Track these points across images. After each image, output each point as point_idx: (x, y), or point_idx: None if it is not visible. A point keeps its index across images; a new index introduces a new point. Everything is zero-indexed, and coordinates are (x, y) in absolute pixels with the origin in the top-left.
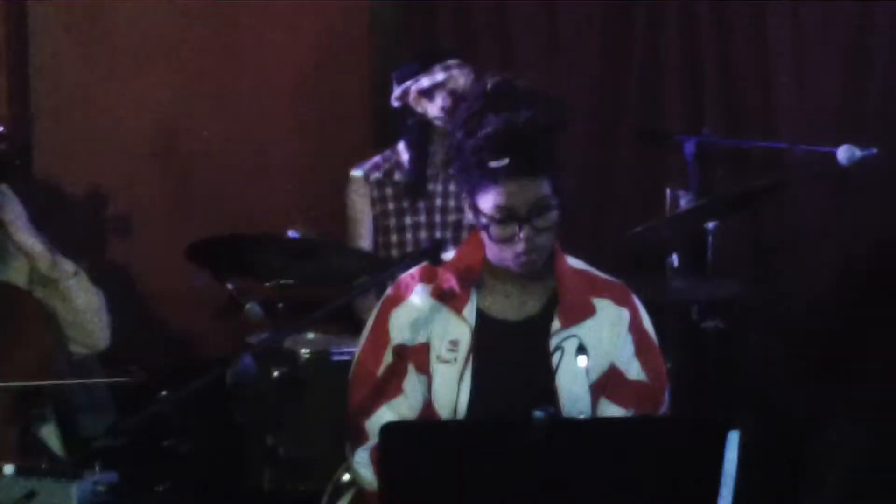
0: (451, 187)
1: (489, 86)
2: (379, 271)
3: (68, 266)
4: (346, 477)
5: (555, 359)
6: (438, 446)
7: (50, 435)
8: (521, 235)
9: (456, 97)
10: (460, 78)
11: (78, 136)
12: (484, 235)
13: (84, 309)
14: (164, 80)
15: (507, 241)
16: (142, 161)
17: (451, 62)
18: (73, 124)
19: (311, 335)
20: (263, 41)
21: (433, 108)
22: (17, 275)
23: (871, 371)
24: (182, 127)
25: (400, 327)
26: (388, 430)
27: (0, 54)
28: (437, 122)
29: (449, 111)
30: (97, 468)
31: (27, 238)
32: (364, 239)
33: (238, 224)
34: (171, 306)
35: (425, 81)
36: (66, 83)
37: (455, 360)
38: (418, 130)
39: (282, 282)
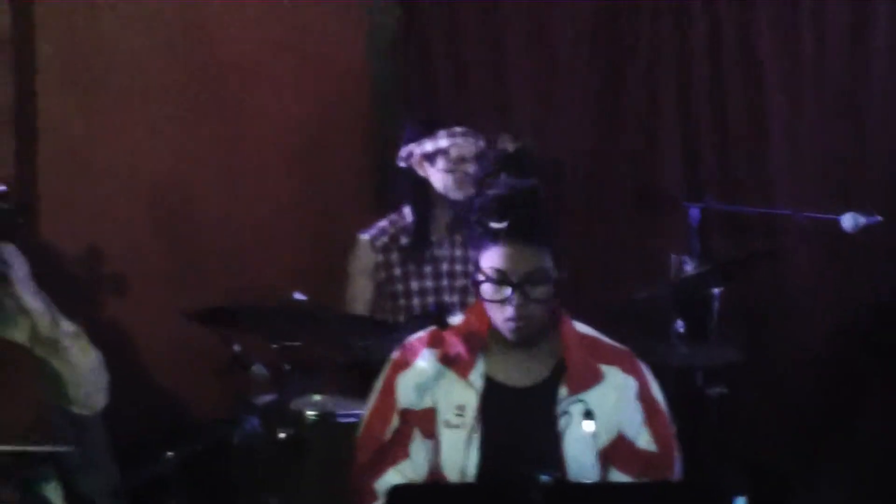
0: (458, 252)
1: (509, 150)
2: (385, 334)
3: (68, 326)
4: None
5: (561, 424)
6: None
7: (53, 494)
8: (512, 301)
9: (458, 164)
10: (465, 146)
11: (81, 197)
12: (479, 294)
13: (83, 369)
14: (166, 142)
15: (497, 302)
16: (142, 222)
17: (457, 129)
18: (76, 184)
19: (316, 397)
20: (265, 103)
21: (434, 173)
22: (19, 333)
23: (861, 435)
24: (183, 189)
25: (406, 391)
26: (396, 492)
27: (8, 113)
28: (437, 187)
29: (452, 179)
30: None
31: (29, 298)
32: (358, 302)
33: (238, 285)
34: (173, 367)
35: (429, 146)
36: (71, 144)
37: (462, 425)
38: (416, 192)
39: (287, 344)
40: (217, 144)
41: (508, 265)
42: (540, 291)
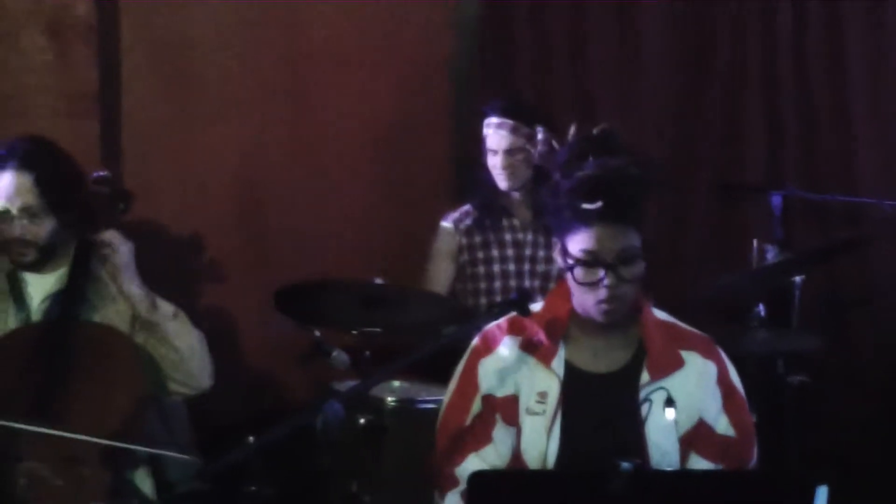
0: (541, 238)
1: (594, 131)
2: (466, 320)
3: (168, 308)
4: None
5: (643, 411)
6: (526, 495)
7: (143, 479)
8: (605, 282)
9: (494, 154)
10: (500, 138)
11: (163, 183)
12: (569, 279)
13: (185, 350)
14: (247, 128)
15: (590, 285)
16: (224, 208)
17: (493, 120)
18: (159, 170)
19: (396, 383)
20: (344, 91)
21: (486, 158)
22: (119, 318)
23: None
24: (264, 175)
25: (488, 377)
26: (476, 478)
27: (93, 99)
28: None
29: (493, 168)
30: None
31: (129, 283)
32: (436, 283)
33: (317, 272)
34: (255, 352)
35: (484, 130)
36: (154, 130)
37: (544, 412)
38: (481, 179)
39: (367, 330)
40: (300, 131)
41: (601, 246)
42: (631, 271)
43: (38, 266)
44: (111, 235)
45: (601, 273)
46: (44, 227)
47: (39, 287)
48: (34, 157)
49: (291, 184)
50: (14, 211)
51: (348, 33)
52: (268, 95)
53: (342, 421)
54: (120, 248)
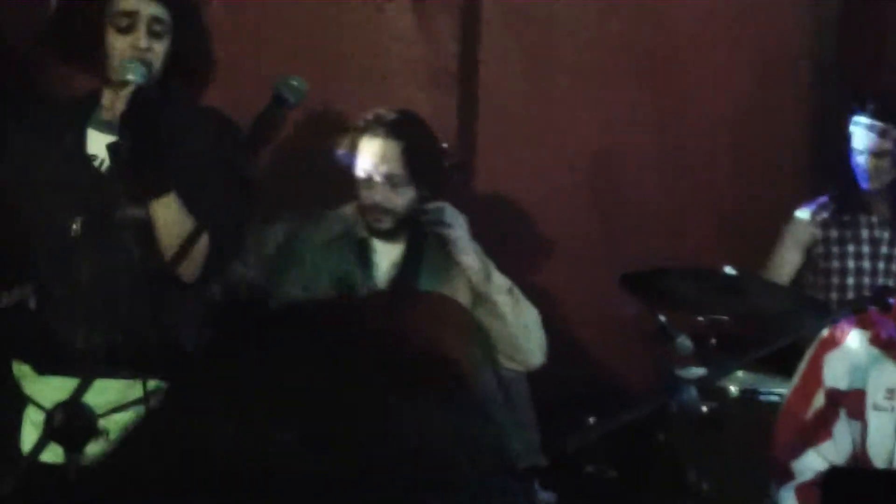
0: None
1: None
2: (818, 314)
3: (502, 282)
4: None
5: None
6: (885, 495)
7: None
8: None
9: (861, 153)
10: (866, 140)
11: (517, 158)
12: None
13: (517, 325)
14: (603, 107)
15: None
16: (575, 185)
17: (863, 120)
18: (514, 146)
19: (740, 373)
20: (703, 72)
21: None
22: (461, 292)
23: None
24: (616, 154)
25: (834, 371)
26: (833, 475)
27: (452, 75)
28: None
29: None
30: (536, 487)
31: (467, 256)
32: (781, 271)
33: (667, 255)
34: (596, 333)
35: (851, 128)
36: (510, 105)
37: (892, 409)
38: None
39: (715, 317)
40: (656, 111)
41: None
42: None
43: (389, 234)
44: (446, 210)
45: None
46: (403, 197)
47: (386, 256)
48: (404, 127)
49: (644, 164)
50: (377, 178)
51: (710, 14)
52: (625, 74)
53: (697, 407)
54: (455, 220)
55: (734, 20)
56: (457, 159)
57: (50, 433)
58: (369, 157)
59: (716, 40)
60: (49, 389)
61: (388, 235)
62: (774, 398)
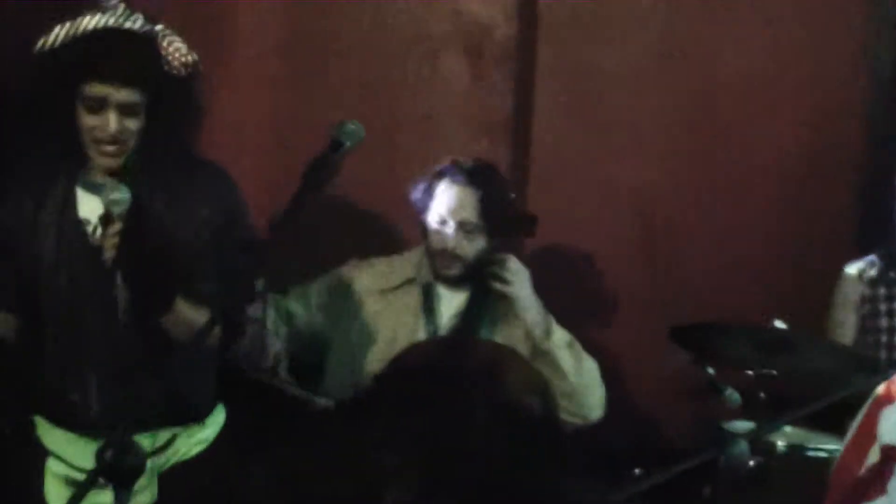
0: None
1: None
2: (869, 372)
3: (562, 336)
4: None
5: None
6: None
7: None
8: None
9: None
10: None
11: (567, 211)
12: None
13: (578, 381)
14: (655, 160)
15: None
16: (625, 239)
17: None
18: (565, 197)
19: (788, 428)
20: (755, 126)
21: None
22: (520, 345)
23: None
24: (666, 207)
25: (889, 427)
26: None
27: (506, 126)
28: None
29: None
30: None
31: (526, 308)
32: (840, 336)
33: (713, 308)
34: (645, 384)
35: None
36: (562, 158)
37: None
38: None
39: (764, 372)
40: (703, 164)
41: None
42: None
43: (456, 282)
44: (510, 263)
45: None
46: (475, 245)
47: (450, 303)
48: (481, 175)
49: (694, 218)
50: (452, 223)
51: (762, 65)
52: (678, 128)
53: (747, 461)
54: (517, 275)
55: (786, 73)
56: (526, 211)
57: (100, 470)
58: (445, 203)
59: (767, 93)
60: (65, 442)
61: (454, 282)
62: (822, 454)
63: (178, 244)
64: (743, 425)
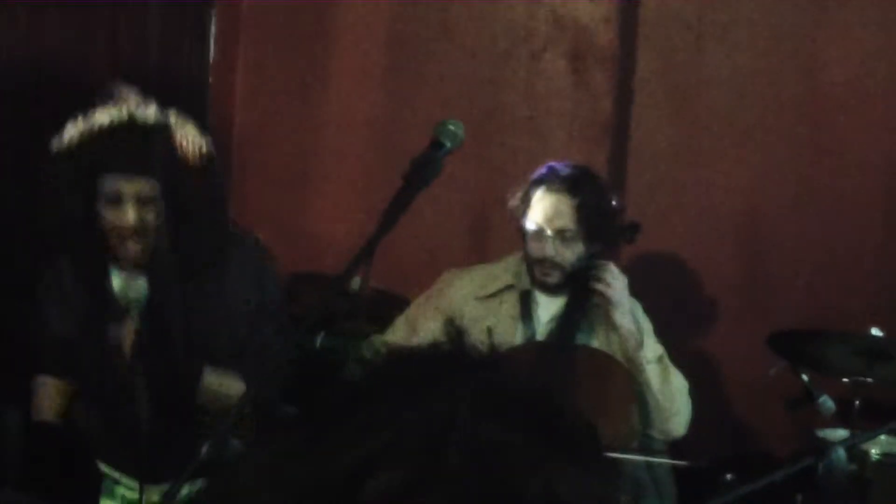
0: None
1: None
2: None
3: (655, 348)
4: None
5: None
6: None
7: None
8: None
9: None
10: None
11: (664, 216)
12: None
13: (663, 395)
14: (753, 167)
15: None
16: (723, 244)
17: None
18: (661, 204)
19: (883, 437)
20: (857, 135)
21: None
22: (616, 351)
23: None
24: (765, 214)
25: None
26: None
27: (605, 129)
28: None
29: None
30: None
31: (622, 316)
32: None
33: (814, 314)
34: (744, 393)
35: None
36: (660, 162)
37: None
38: None
39: (860, 379)
40: (808, 173)
41: None
42: None
43: (554, 288)
44: (609, 269)
45: None
46: (572, 252)
47: (547, 309)
48: (579, 182)
49: (794, 225)
50: (549, 231)
51: (863, 70)
52: (780, 134)
53: (845, 469)
54: (615, 281)
55: (887, 76)
56: (632, 218)
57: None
58: (542, 210)
59: (873, 99)
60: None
61: (552, 289)
62: None
63: (206, 331)
64: (838, 433)
